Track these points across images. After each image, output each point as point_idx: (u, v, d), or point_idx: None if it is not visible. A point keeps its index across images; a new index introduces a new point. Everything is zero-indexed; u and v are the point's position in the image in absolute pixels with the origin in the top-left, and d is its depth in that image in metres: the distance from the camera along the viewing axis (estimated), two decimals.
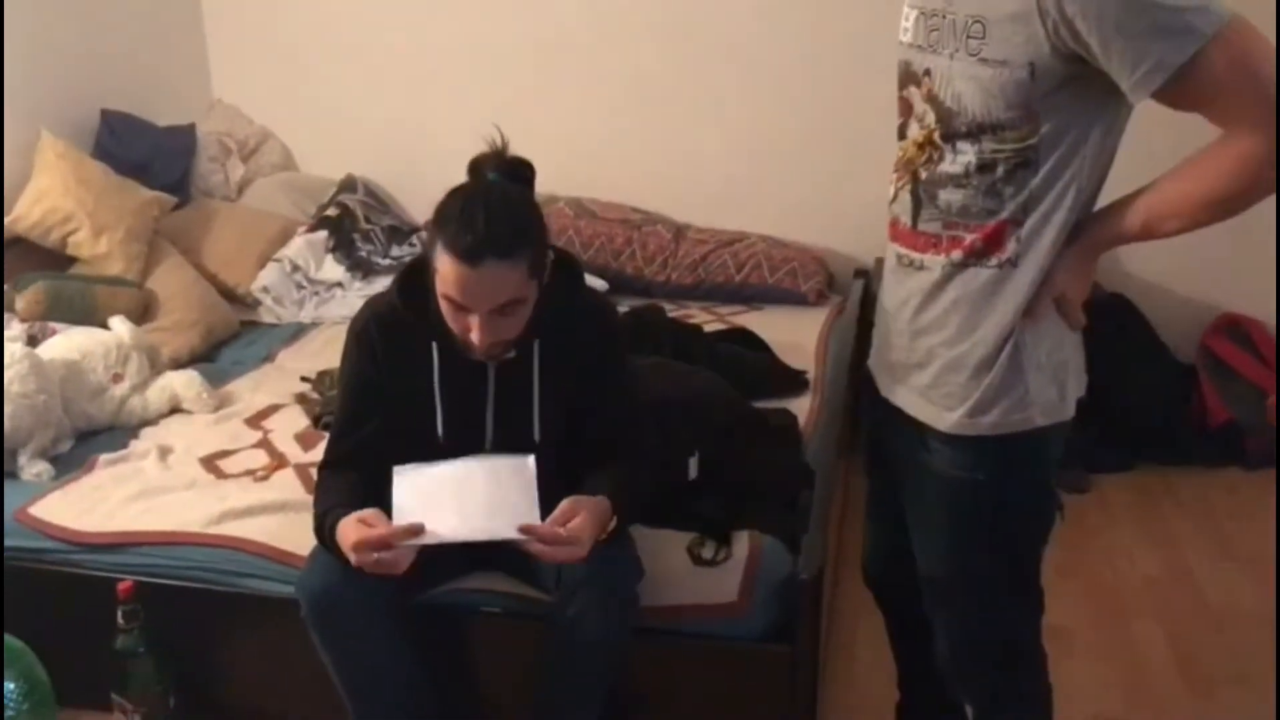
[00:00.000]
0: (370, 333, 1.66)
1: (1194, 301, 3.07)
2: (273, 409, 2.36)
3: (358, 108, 3.37)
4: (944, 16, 1.31)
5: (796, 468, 2.02)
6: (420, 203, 3.28)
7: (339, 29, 3.34)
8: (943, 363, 1.39)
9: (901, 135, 1.43)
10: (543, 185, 3.23)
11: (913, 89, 1.39)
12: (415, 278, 1.62)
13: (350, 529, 1.54)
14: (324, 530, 1.60)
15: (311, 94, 3.40)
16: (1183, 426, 2.98)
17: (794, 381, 2.48)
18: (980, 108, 1.28)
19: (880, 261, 3.11)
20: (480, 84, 3.29)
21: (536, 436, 1.67)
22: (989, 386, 1.36)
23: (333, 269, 2.98)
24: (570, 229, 3.12)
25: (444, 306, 1.54)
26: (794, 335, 2.77)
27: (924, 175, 1.37)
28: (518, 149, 3.36)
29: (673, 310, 2.98)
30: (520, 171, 1.64)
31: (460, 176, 3.36)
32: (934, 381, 1.40)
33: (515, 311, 1.53)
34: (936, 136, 1.34)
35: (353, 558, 1.51)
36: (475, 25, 3.27)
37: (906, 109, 1.42)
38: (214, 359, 2.71)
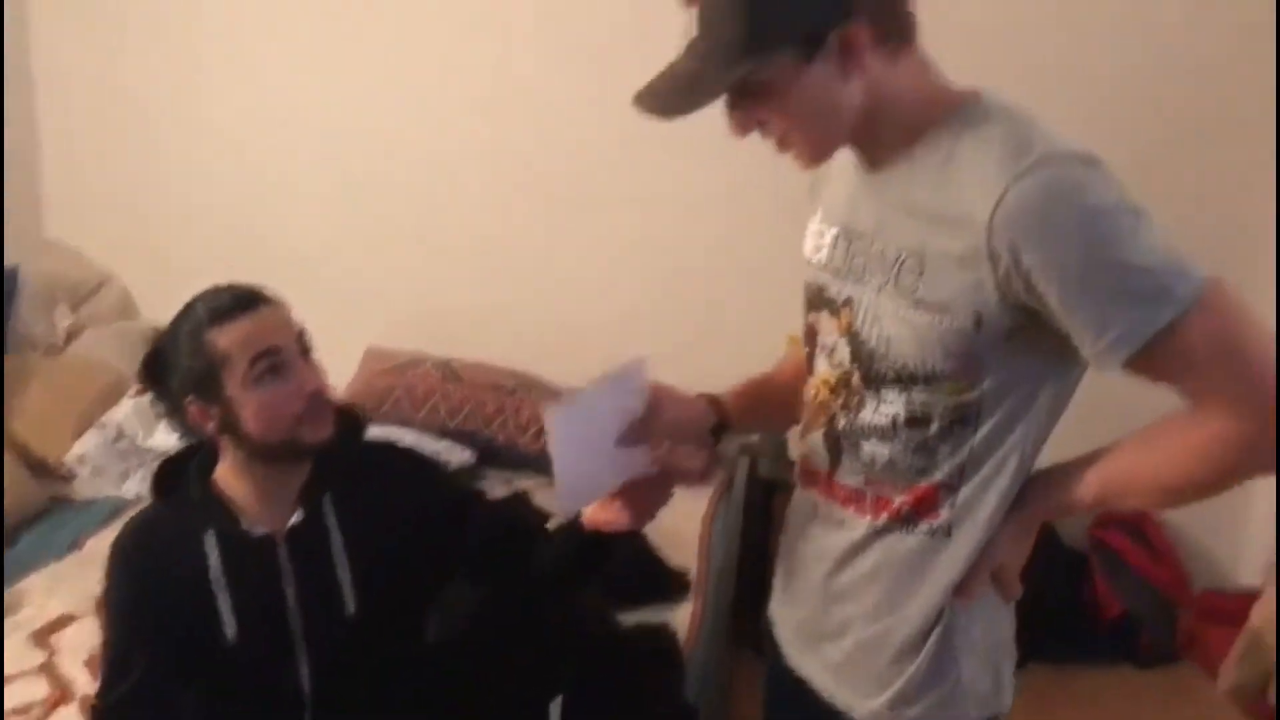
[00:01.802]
0: (127, 549, 1.46)
1: None
2: (66, 620, 2.02)
3: (208, 249, 3.10)
4: (871, 242, 1.12)
5: (679, 709, 1.78)
6: None
7: (193, 163, 3.10)
8: (859, 640, 1.20)
9: (810, 368, 1.25)
10: (408, 344, 3.08)
11: (825, 316, 1.20)
12: (174, 470, 1.48)
13: None
14: None
15: (159, 233, 3.13)
16: (1076, 619, 2.86)
17: (674, 584, 2.26)
18: (913, 355, 1.09)
19: (766, 436, 3.01)
20: (341, 229, 3.09)
21: (350, 608, 1.45)
22: (915, 674, 1.17)
23: (164, 437, 2.66)
24: (436, 393, 2.87)
25: (259, 392, 1.37)
26: (674, 521, 2.52)
27: (842, 423, 1.18)
28: (381, 305, 3.14)
29: (547, 486, 2.73)
30: None
31: (327, 324, 3.11)
32: (849, 659, 1.21)
33: (311, 352, 1.44)
34: (855, 380, 1.15)
35: None
36: (335, 165, 3.06)
37: (813, 337, 1.23)
38: (14, 542, 2.36)
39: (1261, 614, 1.61)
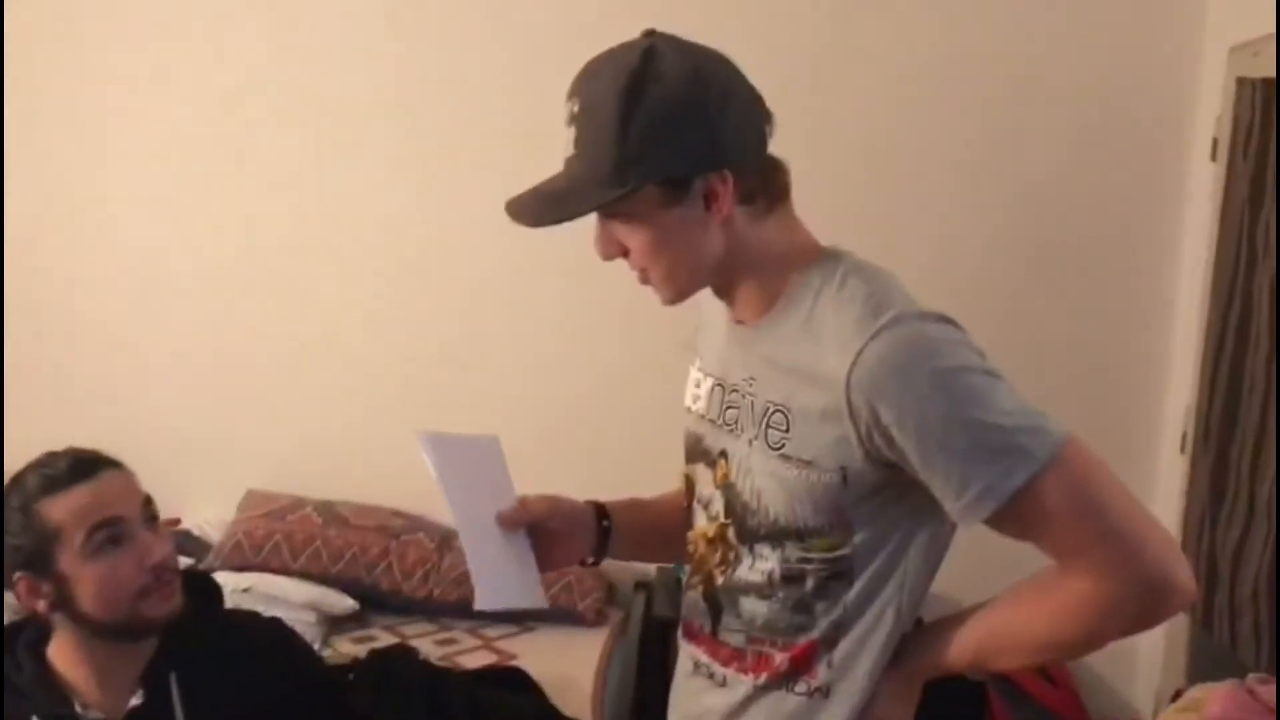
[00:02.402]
0: None
1: None
2: None
3: (78, 393, 2.97)
4: (744, 395, 1.13)
5: None
6: None
7: (61, 310, 2.98)
8: None
9: (690, 521, 1.23)
10: (288, 486, 2.96)
11: (702, 468, 1.20)
12: (6, 646, 1.37)
13: None
14: None
15: (23, 377, 2.97)
16: None
17: None
18: (784, 510, 1.09)
19: (663, 571, 2.95)
20: (217, 369, 2.99)
21: None
22: None
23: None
24: (318, 538, 2.75)
25: (97, 566, 1.27)
26: (568, 666, 2.47)
27: (720, 580, 1.16)
28: (258, 446, 3.02)
29: (435, 633, 2.65)
30: None
31: (206, 467, 2.93)
32: None
33: (157, 520, 1.36)
34: (731, 535, 1.14)
35: None
36: (209, 304, 2.97)
37: (692, 489, 1.23)
38: None
39: None
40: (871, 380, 1.01)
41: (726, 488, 1.15)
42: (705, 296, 1.20)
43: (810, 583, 1.10)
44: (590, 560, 1.33)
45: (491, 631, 2.68)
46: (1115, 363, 2.83)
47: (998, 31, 2.73)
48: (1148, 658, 2.79)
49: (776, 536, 1.10)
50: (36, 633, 1.37)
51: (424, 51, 2.88)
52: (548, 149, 1.14)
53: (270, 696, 1.40)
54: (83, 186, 2.97)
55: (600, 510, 1.32)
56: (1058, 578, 1.04)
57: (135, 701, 1.33)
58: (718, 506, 1.17)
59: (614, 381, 2.94)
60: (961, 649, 1.11)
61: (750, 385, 1.13)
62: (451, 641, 2.61)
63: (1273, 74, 2.27)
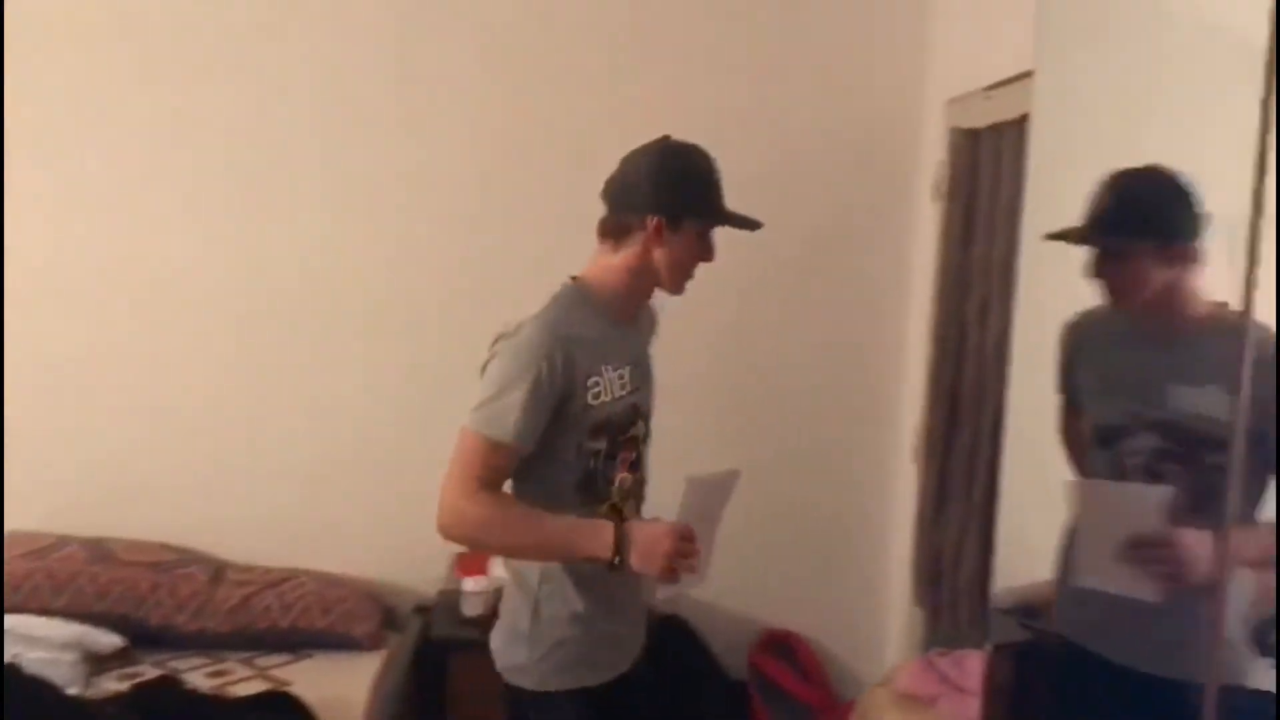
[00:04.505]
0: None
1: (740, 618, 3.16)
2: None
3: None
4: (646, 362, 1.94)
5: None
6: None
7: None
8: None
9: (632, 470, 1.86)
10: (52, 524, 2.88)
11: (641, 422, 1.89)
12: None
13: None
14: None
15: None
16: None
17: None
18: (653, 405, 1.95)
19: (444, 594, 3.00)
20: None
21: None
22: None
23: None
24: (82, 575, 2.69)
25: None
26: (342, 689, 2.51)
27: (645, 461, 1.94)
28: (25, 486, 2.90)
29: (207, 665, 2.63)
30: None
31: None
32: None
33: None
34: (646, 434, 1.95)
35: None
36: None
37: (633, 445, 1.86)
38: None
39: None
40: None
41: (646, 416, 1.88)
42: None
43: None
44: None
45: (265, 661, 2.69)
46: (857, 384, 3.12)
47: (751, 86, 2.99)
48: (894, 641, 3.06)
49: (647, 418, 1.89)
50: None
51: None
52: None
53: None
54: None
55: None
56: None
57: None
58: (644, 428, 1.86)
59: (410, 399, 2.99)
60: None
61: (647, 355, 1.91)
62: (224, 673, 2.61)
63: (979, 125, 2.57)
